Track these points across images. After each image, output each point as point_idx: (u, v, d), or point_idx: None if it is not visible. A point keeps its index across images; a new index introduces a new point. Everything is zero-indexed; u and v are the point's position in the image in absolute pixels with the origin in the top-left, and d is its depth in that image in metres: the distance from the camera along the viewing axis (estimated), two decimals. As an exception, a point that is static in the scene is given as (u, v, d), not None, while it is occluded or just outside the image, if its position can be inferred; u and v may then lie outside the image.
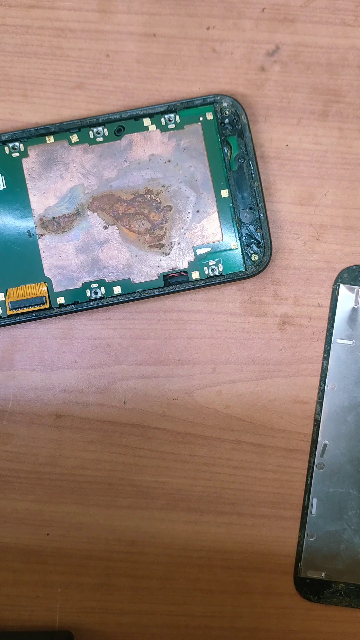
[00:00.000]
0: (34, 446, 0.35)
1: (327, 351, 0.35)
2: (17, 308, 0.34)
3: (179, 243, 0.34)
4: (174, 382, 0.35)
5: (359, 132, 0.35)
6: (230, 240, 0.34)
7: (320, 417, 0.35)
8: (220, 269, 0.34)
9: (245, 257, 0.35)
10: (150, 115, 0.34)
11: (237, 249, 0.34)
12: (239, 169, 0.34)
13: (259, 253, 0.35)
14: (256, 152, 0.35)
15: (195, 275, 0.34)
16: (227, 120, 0.34)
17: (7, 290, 0.34)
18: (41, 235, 0.34)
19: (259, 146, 0.35)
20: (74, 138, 0.34)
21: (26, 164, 0.34)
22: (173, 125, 0.34)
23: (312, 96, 0.35)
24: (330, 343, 0.35)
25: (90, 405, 0.35)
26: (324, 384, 0.35)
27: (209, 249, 0.34)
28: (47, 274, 0.34)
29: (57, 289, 0.34)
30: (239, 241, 0.34)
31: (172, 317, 0.35)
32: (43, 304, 0.34)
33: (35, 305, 0.34)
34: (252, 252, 0.35)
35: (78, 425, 0.35)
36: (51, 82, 0.35)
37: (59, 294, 0.34)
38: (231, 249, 0.34)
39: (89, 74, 0.35)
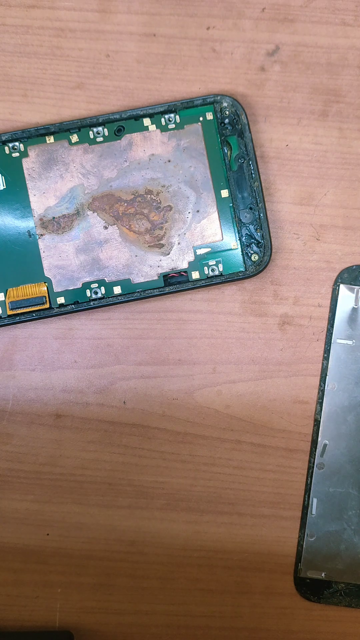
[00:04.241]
0: (34, 446, 0.35)
1: (327, 351, 0.35)
2: (17, 308, 0.34)
3: (179, 243, 0.34)
4: (174, 382, 0.35)
5: (359, 132, 0.35)
6: (230, 240, 0.34)
7: (320, 417, 0.35)
8: (220, 269, 0.34)
9: (245, 257, 0.35)
10: (150, 115, 0.34)
11: (237, 249, 0.34)
12: (239, 169, 0.35)
13: (259, 253, 0.35)
14: (256, 152, 0.35)
15: (195, 275, 0.34)
16: (227, 120, 0.34)
17: (7, 290, 0.34)
18: (41, 235, 0.34)
19: (259, 146, 0.35)
20: (74, 138, 0.34)
21: (26, 164, 0.34)
22: (173, 125, 0.34)
23: (312, 96, 0.35)
24: (330, 343, 0.35)
25: (90, 405, 0.35)
26: (324, 384, 0.35)
27: (209, 249, 0.34)
28: (47, 274, 0.34)
29: (57, 289, 0.34)
30: (239, 241, 0.34)
31: (172, 317, 0.35)
32: (43, 304, 0.34)
33: (35, 305, 0.34)
34: (252, 252, 0.35)
35: (78, 425, 0.35)
36: (51, 82, 0.35)
37: (59, 294, 0.34)
38: (231, 249, 0.34)
39: (89, 74, 0.35)
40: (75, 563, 0.35)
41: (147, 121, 0.34)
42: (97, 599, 0.35)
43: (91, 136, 0.34)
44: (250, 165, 0.34)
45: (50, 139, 0.34)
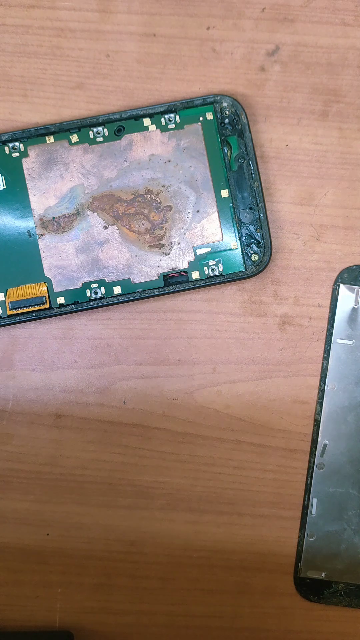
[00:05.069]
0: (34, 446, 0.35)
1: (327, 351, 0.35)
2: (17, 308, 0.34)
3: (179, 243, 0.34)
4: (174, 382, 0.35)
5: (359, 132, 0.35)
6: (230, 240, 0.34)
7: (320, 417, 0.35)
8: (220, 269, 0.34)
9: (245, 257, 0.35)
10: (150, 115, 0.34)
11: (237, 249, 0.34)
12: (239, 169, 0.34)
13: (259, 253, 0.35)
14: (256, 152, 0.35)
15: (195, 275, 0.34)
16: (227, 120, 0.34)
17: (7, 290, 0.34)
18: (41, 235, 0.34)
19: (259, 146, 0.35)
20: (74, 138, 0.34)
21: (26, 164, 0.34)
22: (173, 125, 0.34)
23: (312, 96, 0.35)
24: (330, 343, 0.35)
25: (90, 405, 0.35)
26: (324, 384, 0.35)
27: (209, 249, 0.34)
28: (47, 274, 0.34)
29: (57, 289, 0.34)
30: (239, 241, 0.34)
31: (172, 317, 0.35)
32: (43, 304, 0.34)
33: (35, 305, 0.34)
34: (252, 252, 0.35)
35: (78, 425, 0.35)
36: (51, 82, 0.35)
37: (59, 294, 0.34)
38: (231, 249, 0.34)
39: (89, 74, 0.35)
40: (75, 563, 0.35)
41: (147, 121, 0.34)
42: (97, 599, 0.35)
43: (91, 136, 0.34)
44: (250, 165, 0.34)
45: (50, 139, 0.34)
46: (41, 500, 0.35)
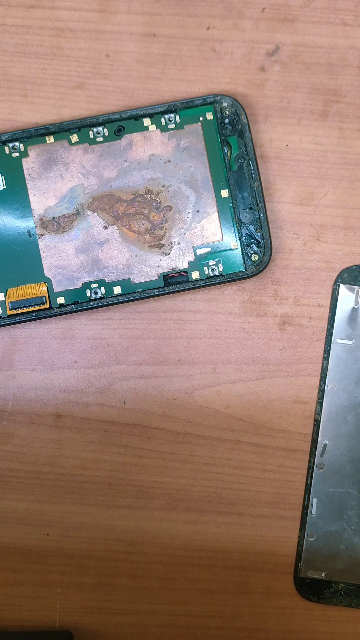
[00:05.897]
0: (34, 446, 0.35)
1: (327, 351, 0.35)
2: (17, 308, 0.34)
3: (179, 243, 0.34)
4: (174, 382, 0.35)
5: (359, 132, 0.35)
6: (230, 240, 0.34)
7: (320, 417, 0.35)
8: (220, 269, 0.34)
9: (245, 257, 0.35)
10: (150, 115, 0.34)
11: (237, 249, 0.34)
12: (239, 169, 0.35)
13: (259, 253, 0.35)
14: (256, 152, 0.35)
15: (195, 275, 0.34)
16: (227, 120, 0.34)
17: (7, 290, 0.34)
18: (41, 235, 0.34)
19: (259, 146, 0.35)
20: (74, 138, 0.34)
21: (26, 164, 0.34)
22: (173, 125, 0.34)
23: (312, 96, 0.35)
24: (330, 343, 0.35)
25: (90, 405, 0.35)
26: (324, 384, 0.35)
27: (209, 249, 0.34)
28: (47, 274, 0.34)
29: (57, 289, 0.34)
30: (239, 241, 0.34)
31: (172, 317, 0.35)
32: (43, 304, 0.34)
33: (35, 305, 0.34)
34: (252, 252, 0.35)
35: (78, 425, 0.35)
36: (51, 82, 0.35)
37: (59, 294, 0.34)
38: (231, 249, 0.34)
39: (89, 74, 0.35)
40: (75, 563, 0.35)
41: (147, 121, 0.34)
42: (97, 599, 0.35)
43: (91, 136, 0.34)
44: (250, 165, 0.34)
45: (50, 139, 0.34)
46: (41, 500, 0.35)
